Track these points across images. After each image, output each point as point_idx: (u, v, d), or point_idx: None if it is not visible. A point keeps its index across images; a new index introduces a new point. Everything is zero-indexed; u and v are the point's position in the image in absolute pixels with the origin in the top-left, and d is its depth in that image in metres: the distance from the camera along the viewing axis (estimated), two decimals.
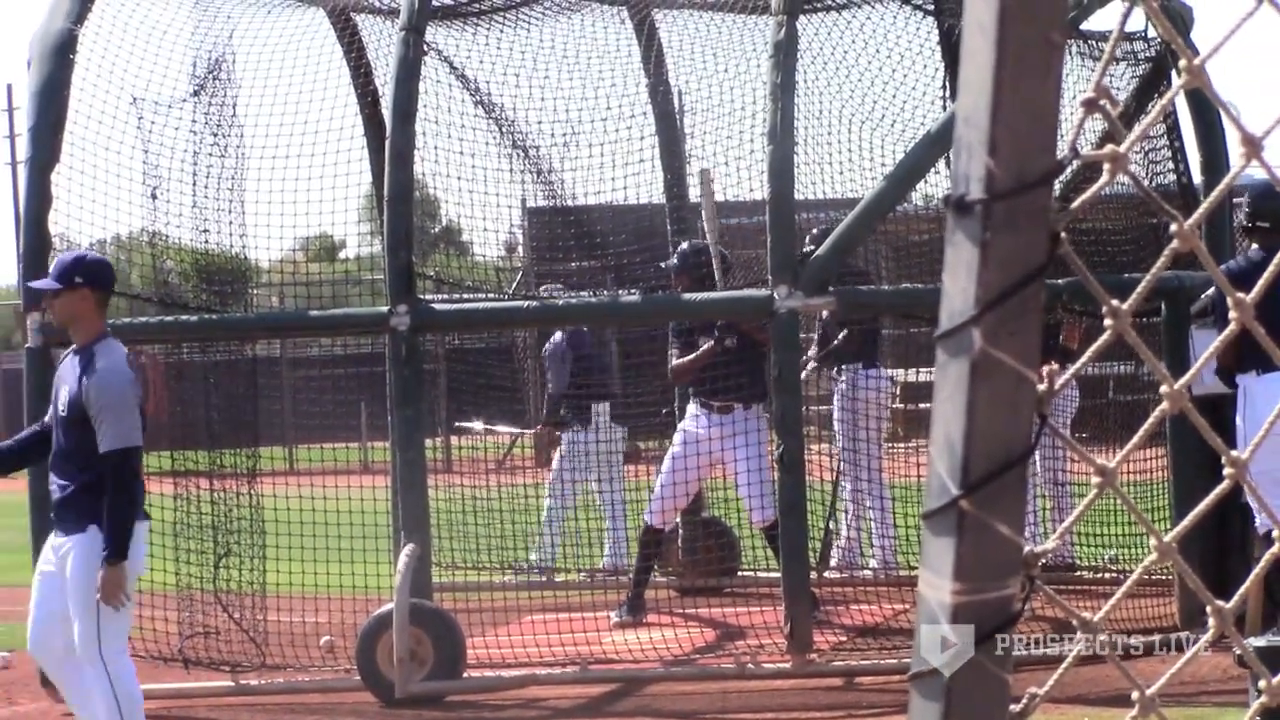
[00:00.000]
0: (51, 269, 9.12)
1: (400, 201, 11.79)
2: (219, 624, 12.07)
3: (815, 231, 12.91)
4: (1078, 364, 2.15)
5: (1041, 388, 1.89)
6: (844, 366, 14.41)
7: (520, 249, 17.03)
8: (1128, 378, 14.54)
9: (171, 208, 12.41)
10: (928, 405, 1.97)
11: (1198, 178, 12.65)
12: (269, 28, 12.82)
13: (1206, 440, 2.22)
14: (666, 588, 14.51)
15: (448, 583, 13.66)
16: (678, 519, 14.12)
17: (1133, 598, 11.64)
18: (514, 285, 15.63)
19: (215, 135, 12.45)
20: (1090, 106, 1.95)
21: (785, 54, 11.36)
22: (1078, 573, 13.92)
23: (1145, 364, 6.30)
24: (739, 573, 14.99)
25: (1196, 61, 2.02)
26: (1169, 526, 7.74)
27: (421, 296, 12.12)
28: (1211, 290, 11.24)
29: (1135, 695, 2.06)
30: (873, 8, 12.79)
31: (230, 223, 12.43)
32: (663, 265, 13.69)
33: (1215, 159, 12.60)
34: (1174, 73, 11.83)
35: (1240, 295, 2.07)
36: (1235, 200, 13.58)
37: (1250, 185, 11.64)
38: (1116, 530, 13.29)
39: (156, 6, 12.55)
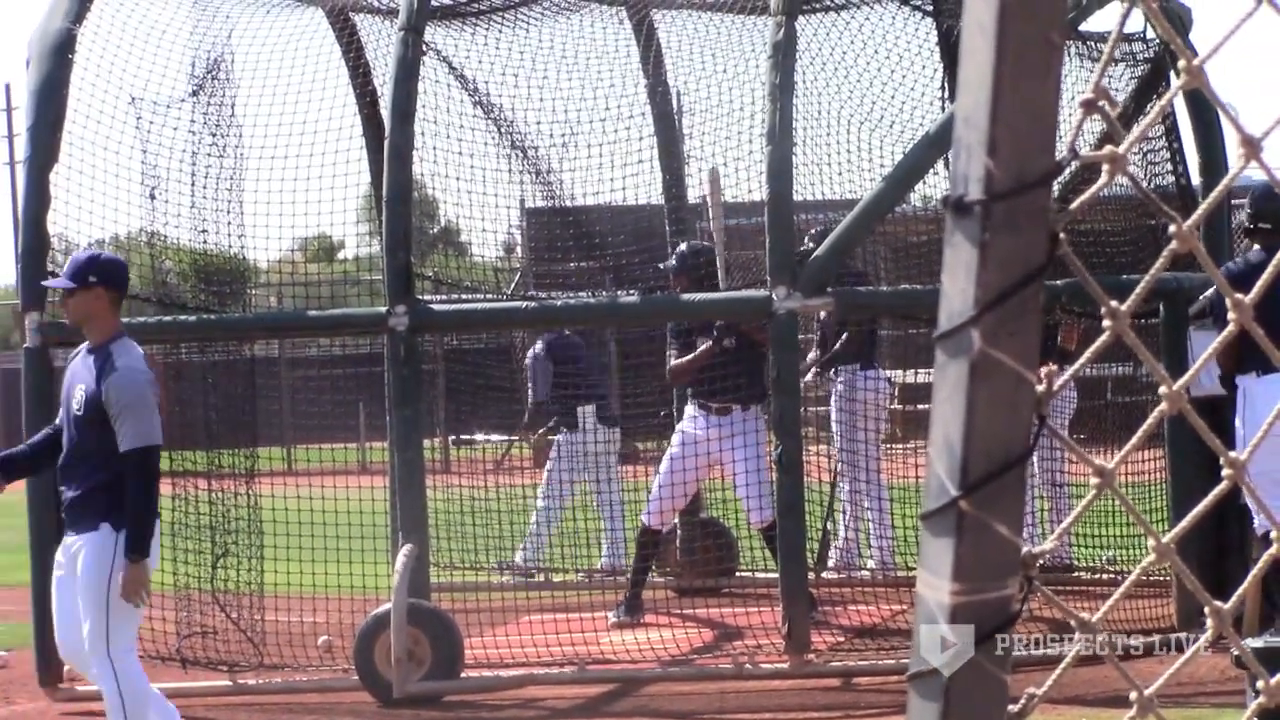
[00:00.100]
0: (65, 268, 9.10)
1: (399, 202, 11.79)
2: (217, 624, 12.07)
3: (814, 232, 12.91)
4: (1076, 365, 2.15)
5: (1040, 388, 1.89)
6: (841, 367, 14.42)
7: (519, 249, 17.04)
8: (1126, 379, 14.55)
9: (170, 208, 12.41)
10: (926, 406, 1.97)
11: (1196, 179, 12.65)
12: (268, 28, 12.82)
13: (1205, 441, 2.22)
14: (664, 588, 14.51)
15: (446, 583, 13.66)
16: (676, 519, 14.13)
17: (1131, 598, 11.64)
18: (512, 286, 15.63)
19: (214, 135, 12.45)
20: (1089, 107, 1.95)
21: (784, 54, 11.36)
22: (1076, 573, 13.92)
23: (1144, 365, 6.30)
24: (737, 573, 14.99)
25: (1195, 62, 2.02)
26: (1167, 527, 7.72)
27: (420, 297, 12.13)
28: (1210, 291, 11.24)
29: (1133, 696, 2.06)
30: (871, 8, 12.78)
31: (229, 223, 12.43)
32: (661, 266, 13.69)
33: (1214, 160, 12.60)
34: (1173, 73, 11.83)
35: (1239, 296, 2.07)
36: (1234, 201, 13.58)
37: (1252, 186, 11.65)
38: (1115, 531, 13.29)
39: (155, 6, 12.54)
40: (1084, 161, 2.02)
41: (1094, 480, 2.02)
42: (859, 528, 14.56)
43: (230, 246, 12.54)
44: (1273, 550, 2.20)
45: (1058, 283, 9.68)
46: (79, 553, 8.68)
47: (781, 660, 11.42)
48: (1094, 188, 2.00)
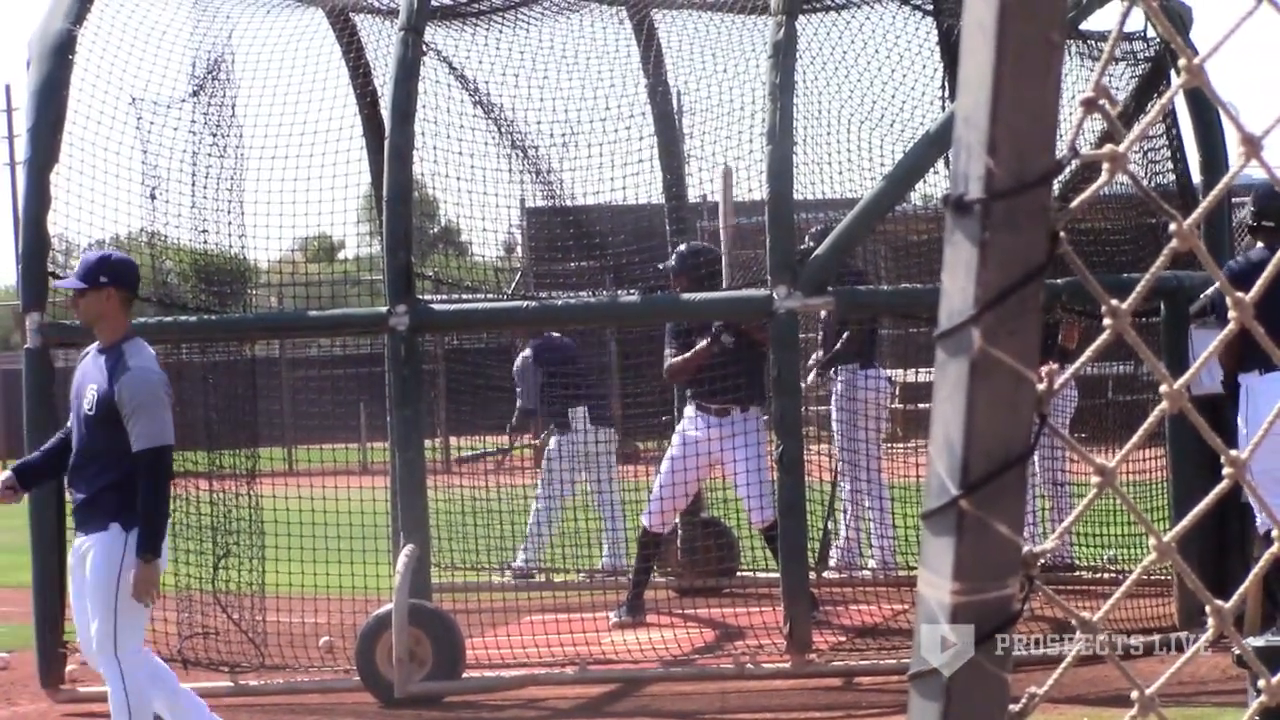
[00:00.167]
0: (76, 268, 9.11)
1: (399, 202, 11.78)
2: (218, 624, 12.07)
3: (814, 231, 12.91)
4: (1077, 364, 2.15)
5: (1041, 387, 1.88)
6: (841, 366, 14.41)
7: (519, 249, 17.04)
8: (1127, 377, 14.55)
9: (170, 208, 12.41)
10: (927, 405, 1.97)
11: (1197, 177, 12.64)
12: (268, 28, 12.82)
13: (1206, 440, 2.22)
14: (666, 588, 14.51)
15: (447, 583, 13.66)
16: (677, 519, 14.13)
17: (1132, 598, 11.64)
18: (513, 285, 15.63)
19: (214, 135, 12.45)
20: (1089, 106, 1.95)
21: (784, 54, 11.36)
22: (1077, 573, 13.92)
23: (1144, 364, 6.30)
24: (738, 573, 14.99)
25: (1196, 61, 2.02)
26: (1168, 526, 7.74)
27: (420, 297, 12.13)
28: (1211, 290, 11.24)
29: (1134, 695, 2.06)
30: (871, 8, 12.78)
31: (229, 223, 12.43)
32: (661, 266, 13.69)
33: (1214, 158, 12.59)
34: (1173, 72, 11.83)
35: (1240, 295, 2.07)
36: (1234, 200, 13.58)
37: (1255, 185, 11.65)
38: (1116, 530, 13.29)
39: (155, 7, 12.55)
40: (1084, 160, 2.02)
41: (1095, 479, 2.02)
42: (860, 527, 14.56)
43: (231, 247, 12.54)
44: (1274, 549, 2.20)
45: (1058, 281, 9.68)
46: (88, 553, 8.69)
47: (783, 660, 11.42)
48: (1094, 186, 2.00)
